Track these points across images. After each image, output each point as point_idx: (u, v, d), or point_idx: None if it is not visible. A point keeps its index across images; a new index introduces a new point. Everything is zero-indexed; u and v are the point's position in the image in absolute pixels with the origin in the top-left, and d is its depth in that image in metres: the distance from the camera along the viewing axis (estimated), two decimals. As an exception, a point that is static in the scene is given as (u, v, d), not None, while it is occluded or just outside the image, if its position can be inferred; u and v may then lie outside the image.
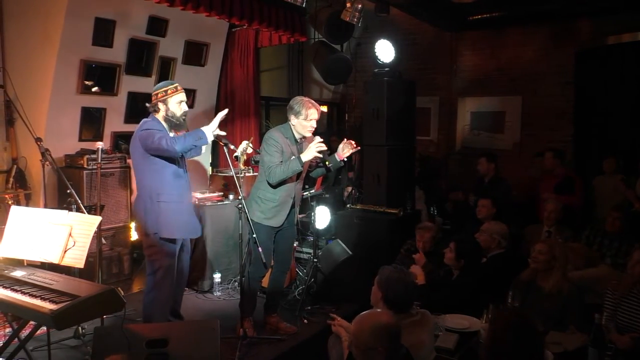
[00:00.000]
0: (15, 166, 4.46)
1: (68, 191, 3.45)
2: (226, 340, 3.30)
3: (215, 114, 3.34)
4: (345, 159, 3.61)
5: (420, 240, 3.95)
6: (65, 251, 2.66)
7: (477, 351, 2.51)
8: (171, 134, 3.26)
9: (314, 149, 3.30)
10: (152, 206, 3.21)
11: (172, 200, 3.23)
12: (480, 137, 7.09)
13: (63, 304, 2.19)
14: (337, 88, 8.14)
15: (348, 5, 5.20)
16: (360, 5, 5.23)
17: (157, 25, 5.12)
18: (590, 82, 6.15)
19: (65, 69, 4.50)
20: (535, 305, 3.00)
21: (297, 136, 3.52)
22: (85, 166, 4.54)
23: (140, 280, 4.67)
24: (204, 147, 3.37)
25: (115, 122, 5.15)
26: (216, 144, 3.35)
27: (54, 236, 2.70)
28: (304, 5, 4.73)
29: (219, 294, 4.49)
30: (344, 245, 4.56)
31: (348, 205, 5.23)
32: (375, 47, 5.10)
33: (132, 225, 4.87)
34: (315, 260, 4.29)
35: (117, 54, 4.89)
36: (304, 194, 4.40)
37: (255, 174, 4.90)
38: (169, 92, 3.25)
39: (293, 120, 3.47)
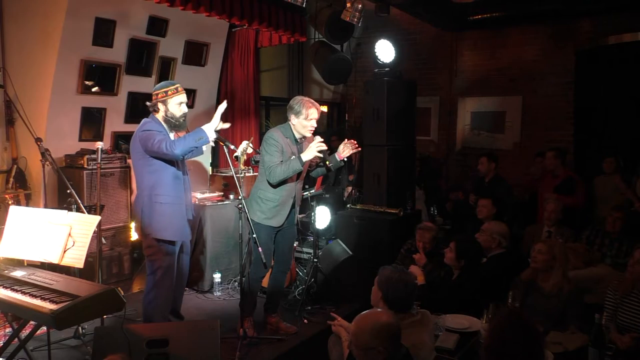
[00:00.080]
0: (15, 166, 4.46)
1: (68, 191, 3.46)
2: (226, 340, 3.30)
3: (215, 114, 3.34)
4: (345, 159, 3.61)
5: (421, 240, 3.94)
6: (65, 251, 2.66)
7: (477, 351, 2.52)
8: (171, 135, 3.26)
9: (314, 148, 3.30)
10: (149, 206, 3.20)
11: (169, 201, 3.21)
12: (480, 137, 7.09)
13: (63, 304, 2.19)
14: (337, 88, 8.13)
15: (348, 5, 5.19)
16: (360, 5, 5.23)
17: (158, 25, 5.12)
18: (590, 82, 6.14)
19: (66, 68, 4.50)
20: (536, 305, 3.00)
21: (298, 136, 3.51)
22: (85, 166, 4.54)
23: (140, 280, 4.66)
24: (205, 147, 3.36)
25: (115, 122, 5.16)
26: (217, 143, 3.34)
27: (53, 236, 2.69)
28: (304, 5, 4.73)
29: (219, 294, 4.48)
30: (344, 245, 4.56)
31: (348, 205, 5.22)
32: (376, 47, 5.10)
33: (132, 225, 4.87)
34: (315, 260, 4.28)
35: (117, 54, 4.89)
36: (304, 194, 4.39)
37: (255, 174, 4.90)
38: (169, 92, 3.23)
39: (293, 120, 3.47)
